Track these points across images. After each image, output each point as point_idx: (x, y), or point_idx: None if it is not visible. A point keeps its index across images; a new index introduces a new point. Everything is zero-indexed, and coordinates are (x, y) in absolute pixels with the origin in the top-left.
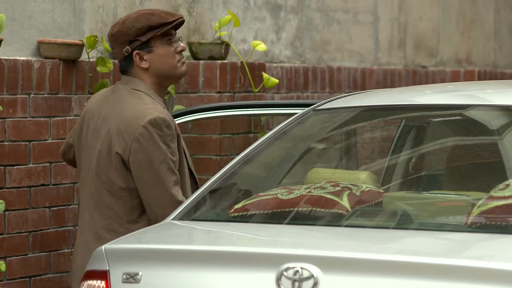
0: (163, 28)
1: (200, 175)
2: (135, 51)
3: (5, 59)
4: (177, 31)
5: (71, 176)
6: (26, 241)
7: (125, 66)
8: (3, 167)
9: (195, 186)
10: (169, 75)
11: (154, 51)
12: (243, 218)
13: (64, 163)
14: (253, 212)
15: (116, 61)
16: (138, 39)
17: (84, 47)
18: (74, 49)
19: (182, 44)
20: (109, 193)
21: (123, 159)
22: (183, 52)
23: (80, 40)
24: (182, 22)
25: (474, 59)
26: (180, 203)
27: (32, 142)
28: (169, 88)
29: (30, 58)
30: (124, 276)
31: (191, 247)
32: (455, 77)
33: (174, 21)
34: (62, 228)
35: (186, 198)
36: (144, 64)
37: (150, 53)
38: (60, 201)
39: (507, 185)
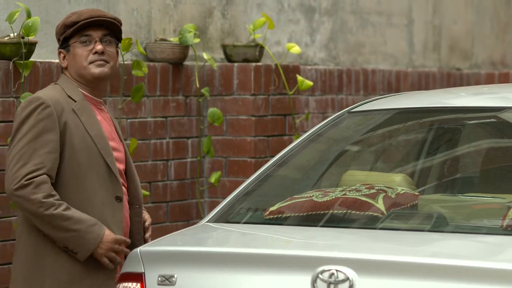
0: (73, 27)
1: (235, 178)
2: (59, 50)
3: (39, 61)
4: (118, 34)
5: None
6: None
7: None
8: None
9: (117, 186)
10: (81, 75)
11: (71, 51)
12: (278, 220)
13: None
14: (288, 215)
15: (151, 63)
16: (60, 38)
17: (119, 50)
18: None
19: (99, 46)
20: None
21: None
22: (103, 53)
23: None
24: (108, 22)
25: (509, 61)
26: (14, 192)
27: None
28: (203, 91)
29: None
30: (160, 278)
31: (226, 249)
32: (489, 80)
33: (83, 19)
34: None
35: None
36: (64, 63)
37: (68, 53)
38: None
39: None
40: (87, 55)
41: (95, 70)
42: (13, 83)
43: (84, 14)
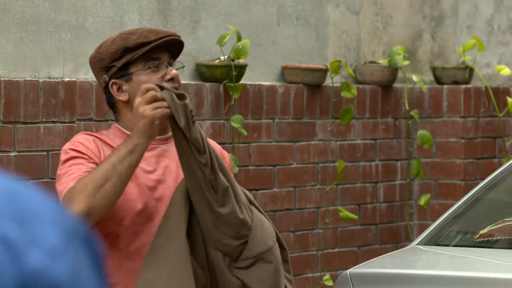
0: (142, 50)
1: (444, 200)
2: (112, 80)
3: (249, 84)
4: (176, 56)
5: (315, 200)
6: None
7: (108, 100)
8: (248, 191)
9: None
10: None
11: (134, 79)
12: (489, 243)
13: (309, 187)
14: (499, 238)
15: (360, 86)
16: (113, 65)
17: (328, 72)
18: (318, 74)
19: (174, 71)
20: None
21: None
22: (175, 80)
23: (324, 65)
24: (176, 42)
25: None
26: None
27: (276, 167)
28: (412, 113)
29: (274, 83)
30: None
31: (436, 272)
32: None
33: (155, 40)
34: (306, 253)
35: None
36: (123, 96)
37: (129, 82)
38: (305, 226)
39: None
40: (160, 82)
41: None
42: (223, 105)
43: (150, 33)
